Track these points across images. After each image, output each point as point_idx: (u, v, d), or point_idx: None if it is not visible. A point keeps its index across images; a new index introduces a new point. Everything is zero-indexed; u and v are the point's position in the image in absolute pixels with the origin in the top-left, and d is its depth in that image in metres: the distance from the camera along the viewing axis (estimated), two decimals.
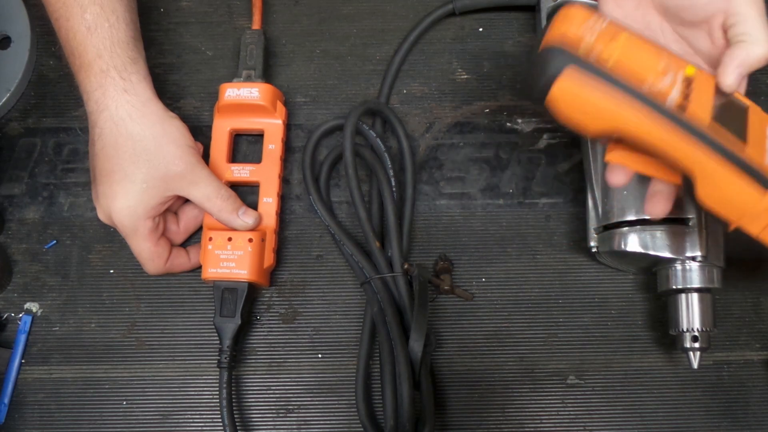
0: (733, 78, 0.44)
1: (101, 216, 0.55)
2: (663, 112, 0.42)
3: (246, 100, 0.58)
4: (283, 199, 0.61)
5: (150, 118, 0.54)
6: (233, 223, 0.56)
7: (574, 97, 0.42)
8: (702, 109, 0.43)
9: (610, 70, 0.41)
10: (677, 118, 0.42)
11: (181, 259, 0.58)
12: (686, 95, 0.43)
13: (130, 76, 0.54)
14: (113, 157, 0.53)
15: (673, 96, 0.42)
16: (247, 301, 0.56)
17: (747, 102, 0.45)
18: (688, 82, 0.43)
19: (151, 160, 0.53)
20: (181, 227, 0.59)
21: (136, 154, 0.53)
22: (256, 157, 0.61)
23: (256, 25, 0.62)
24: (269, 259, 0.57)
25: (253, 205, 0.58)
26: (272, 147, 0.59)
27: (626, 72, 0.42)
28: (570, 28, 0.42)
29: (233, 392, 0.58)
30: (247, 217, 0.56)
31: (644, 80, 0.42)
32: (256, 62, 0.60)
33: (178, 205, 0.59)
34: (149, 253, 0.55)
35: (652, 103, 0.42)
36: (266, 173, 0.59)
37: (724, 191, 0.43)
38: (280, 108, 0.60)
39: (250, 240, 0.56)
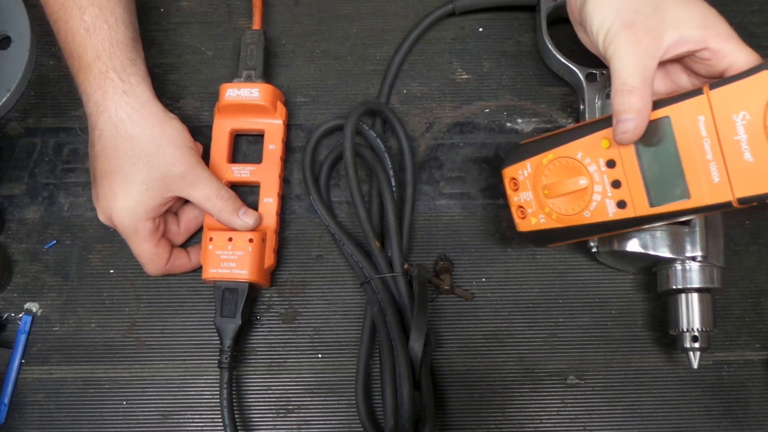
0: (618, 136, 0.47)
1: (101, 217, 0.55)
2: (614, 227, 0.50)
3: (246, 100, 0.58)
4: (283, 199, 0.61)
5: (149, 120, 0.54)
6: (233, 223, 0.56)
7: (561, 244, 0.56)
8: (636, 192, 0.48)
9: (556, 220, 0.51)
10: (624, 224, 0.49)
11: (182, 260, 0.58)
12: (617, 182, 0.48)
13: (129, 78, 0.54)
14: (113, 158, 0.53)
15: (608, 195, 0.49)
16: (247, 302, 0.56)
17: (667, 111, 0.47)
18: (612, 160, 0.48)
19: (151, 162, 0.53)
20: (182, 228, 0.59)
21: (136, 155, 0.53)
22: (256, 157, 0.61)
23: (257, 25, 0.62)
24: (270, 259, 0.57)
25: (254, 205, 0.58)
26: (272, 147, 0.59)
27: (566, 207, 0.51)
28: (515, 197, 0.54)
29: (234, 392, 0.58)
30: (247, 218, 0.56)
31: (582, 198, 0.50)
32: (257, 62, 0.60)
33: (178, 206, 0.59)
34: (150, 254, 0.55)
35: (601, 226, 0.50)
36: (266, 173, 0.59)
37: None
38: (281, 108, 0.60)
39: (251, 240, 0.56)
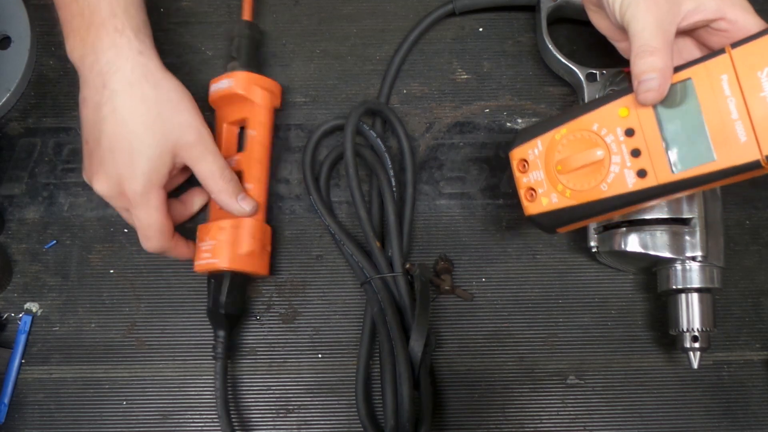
0: (641, 95, 0.45)
1: (103, 186, 0.52)
2: (634, 199, 0.47)
3: (224, 91, 0.58)
4: (283, 199, 0.61)
5: (165, 84, 0.53)
6: (231, 206, 0.55)
7: (571, 228, 0.52)
8: (658, 158, 0.46)
9: (570, 197, 0.49)
10: (645, 194, 0.47)
11: (181, 242, 0.57)
12: (637, 151, 0.47)
13: (144, 39, 0.52)
14: (127, 120, 0.51)
15: (627, 165, 0.47)
16: (232, 291, 0.56)
17: (688, 73, 0.45)
18: (631, 128, 0.47)
19: (166, 126, 0.52)
20: (186, 210, 0.58)
21: (151, 119, 0.51)
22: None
23: (246, 15, 0.61)
24: (247, 245, 0.56)
25: None
26: (253, 133, 0.59)
27: (582, 183, 0.49)
28: (524, 178, 0.51)
29: (234, 392, 0.58)
30: (245, 203, 0.55)
31: (598, 171, 0.48)
32: (240, 52, 0.60)
33: (179, 180, 0.58)
34: (159, 225, 0.53)
35: (620, 199, 0.48)
36: (248, 160, 0.58)
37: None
38: (262, 94, 0.59)
39: (222, 228, 0.55)
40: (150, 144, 0.52)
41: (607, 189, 0.48)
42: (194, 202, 0.59)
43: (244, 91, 0.58)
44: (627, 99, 0.47)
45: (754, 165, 0.43)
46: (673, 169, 0.46)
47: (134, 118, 0.51)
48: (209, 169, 0.54)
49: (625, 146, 0.47)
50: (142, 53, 0.52)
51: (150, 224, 0.53)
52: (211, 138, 0.55)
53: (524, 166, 0.51)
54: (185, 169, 0.56)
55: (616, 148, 0.47)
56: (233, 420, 0.55)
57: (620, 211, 0.50)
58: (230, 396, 0.58)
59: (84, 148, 0.54)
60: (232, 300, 0.56)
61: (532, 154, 0.51)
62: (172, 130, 0.52)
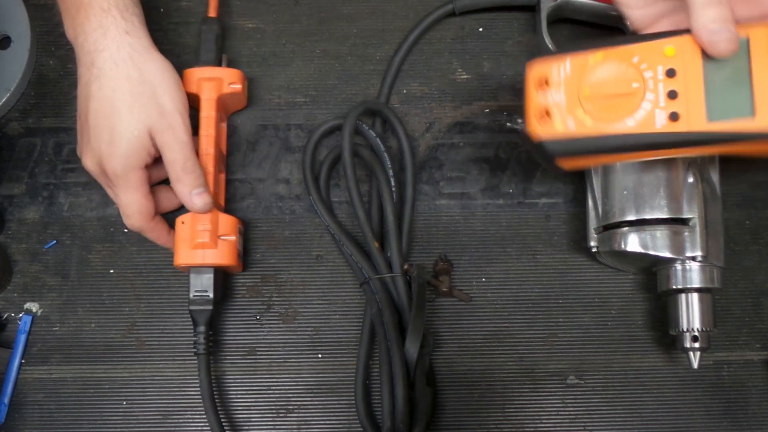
0: (715, 46, 0.43)
1: (89, 163, 0.53)
2: (658, 142, 0.45)
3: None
4: (283, 199, 0.61)
5: (151, 65, 0.53)
6: (184, 198, 0.55)
7: (576, 164, 0.49)
8: (695, 104, 0.44)
9: (590, 127, 0.45)
10: (672, 139, 0.44)
11: (162, 227, 0.56)
12: (674, 93, 0.44)
13: (132, 18, 0.53)
14: (111, 99, 0.52)
15: (660, 105, 0.44)
16: (212, 285, 0.56)
17: (746, 31, 0.44)
18: (673, 69, 0.45)
19: (147, 107, 0.52)
20: (176, 198, 0.57)
21: (134, 98, 0.52)
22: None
23: (210, 12, 0.62)
24: (194, 239, 0.55)
25: None
26: (203, 126, 0.58)
27: (606, 113, 0.45)
28: (540, 97, 0.47)
29: (234, 392, 0.58)
30: (198, 199, 0.54)
31: (629, 103, 0.45)
32: (198, 49, 0.60)
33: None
34: (138, 205, 0.54)
35: (644, 138, 0.45)
36: (201, 144, 0.58)
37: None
38: (208, 86, 0.58)
39: (183, 222, 0.55)
40: (129, 124, 0.52)
41: (633, 125, 0.45)
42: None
43: (188, 87, 0.58)
44: (679, 39, 0.45)
45: None
46: (709, 116, 0.44)
47: (117, 97, 0.52)
48: (173, 157, 0.54)
49: (663, 86, 0.45)
50: (128, 33, 0.52)
51: (128, 203, 0.54)
52: (185, 126, 0.54)
53: (545, 82, 0.47)
54: None
55: (653, 85, 0.45)
56: (222, 420, 0.55)
57: (636, 154, 0.47)
58: (231, 396, 0.58)
59: (77, 124, 0.55)
60: (194, 296, 0.56)
61: (558, 73, 0.47)
62: (149, 113, 0.52)
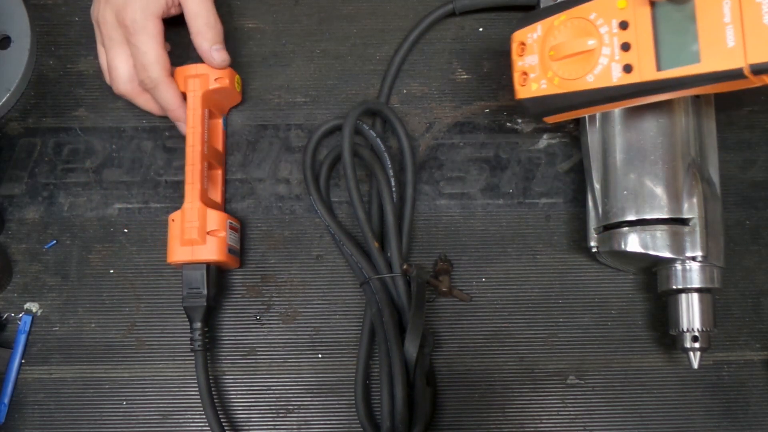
0: None
1: (107, 15, 0.54)
2: (616, 94, 0.47)
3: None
4: (283, 199, 0.61)
5: None
6: (203, 51, 0.56)
7: (558, 119, 0.52)
8: (646, 54, 0.46)
9: (558, 85, 0.49)
10: (628, 90, 0.47)
11: (175, 86, 0.57)
12: (627, 45, 0.47)
13: None
14: None
15: (615, 58, 0.47)
16: (188, 283, 0.56)
17: None
18: (626, 21, 0.47)
19: None
20: None
21: None
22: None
23: None
24: (182, 236, 0.56)
25: None
26: (192, 109, 0.59)
27: (570, 71, 0.49)
28: (520, 61, 0.52)
29: (234, 392, 0.58)
30: (216, 54, 0.57)
31: (588, 61, 0.48)
32: (190, 48, 0.60)
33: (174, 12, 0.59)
34: (156, 53, 0.55)
35: (603, 92, 0.48)
36: (188, 138, 0.58)
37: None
38: (191, 82, 0.59)
39: (173, 220, 0.56)
40: None
41: (592, 80, 0.48)
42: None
43: (179, 86, 0.59)
44: None
45: (737, 73, 0.43)
46: (659, 66, 0.45)
47: None
48: (196, 10, 0.56)
49: (617, 39, 0.47)
50: None
51: (147, 51, 0.55)
52: None
53: (522, 48, 0.52)
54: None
55: (608, 39, 0.47)
56: (222, 420, 0.55)
57: (604, 106, 0.49)
58: (231, 396, 0.58)
59: None
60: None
61: (531, 37, 0.51)
62: None
